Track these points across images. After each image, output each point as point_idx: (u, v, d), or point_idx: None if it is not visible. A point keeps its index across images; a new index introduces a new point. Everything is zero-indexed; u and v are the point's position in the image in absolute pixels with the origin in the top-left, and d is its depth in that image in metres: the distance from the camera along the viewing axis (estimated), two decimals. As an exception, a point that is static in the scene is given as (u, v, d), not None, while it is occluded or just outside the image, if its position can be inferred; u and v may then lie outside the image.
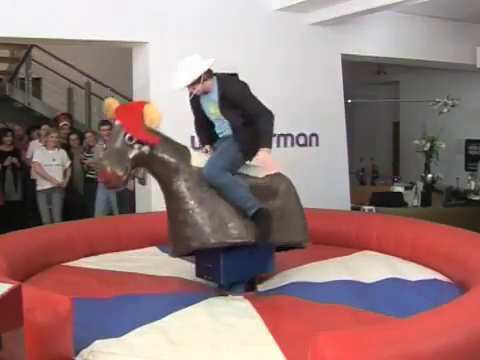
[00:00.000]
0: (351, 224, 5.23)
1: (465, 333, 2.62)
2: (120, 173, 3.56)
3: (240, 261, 3.90)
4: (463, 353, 2.56)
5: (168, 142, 3.83)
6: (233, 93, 3.80)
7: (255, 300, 3.81)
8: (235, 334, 3.22)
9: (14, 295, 2.07)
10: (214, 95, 3.83)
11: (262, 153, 3.78)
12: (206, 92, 3.83)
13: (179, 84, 3.75)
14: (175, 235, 3.88)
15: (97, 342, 2.97)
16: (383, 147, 12.10)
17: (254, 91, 3.89)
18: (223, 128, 3.98)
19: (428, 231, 4.69)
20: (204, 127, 4.09)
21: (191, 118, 5.86)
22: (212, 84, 3.81)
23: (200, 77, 3.70)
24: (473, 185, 7.71)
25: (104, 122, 7.46)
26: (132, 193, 6.53)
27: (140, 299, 3.80)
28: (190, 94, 3.85)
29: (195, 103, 3.99)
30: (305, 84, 6.83)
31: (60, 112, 9.17)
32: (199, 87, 3.75)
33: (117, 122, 3.68)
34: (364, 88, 10.87)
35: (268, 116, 3.81)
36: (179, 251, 3.95)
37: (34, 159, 7.19)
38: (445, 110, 7.74)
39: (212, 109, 3.91)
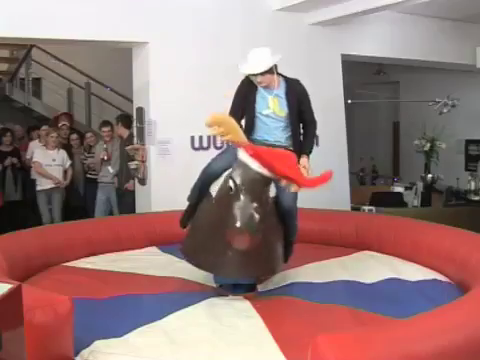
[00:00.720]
0: (351, 224, 5.23)
1: (465, 334, 2.62)
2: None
3: None
4: (463, 354, 2.56)
5: None
6: (301, 92, 3.99)
7: (255, 300, 3.81)
8: (235, 334, 3.23)
9: (14, 295, 2.07)
10: (280, 92, 3.91)
11: (304, 159, 3.87)
12: (267, 86, 3.88)
13: (258, 68, 3.77)
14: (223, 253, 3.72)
15: (97, 342, 2.97)
16: (383, 147, 12.07)
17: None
18: (272, 130, 3.92)
19: (428, 231, 4.69)
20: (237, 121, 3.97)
21: (191, 118, 5.94)
22: (277, 80, 3.90)
23: (272, 67, 3.79)
24: (473, 185, 7.67)
25: (105, 123, 7.44)
26: (132, 193, 6.52)
27: (140, 299, 3.80)
28: (259, 83, 3.85)
29: (244, 95, 3.95)
30: (305, 84, 6.79)
31: (60, 112, 9.16)
32: (269, 77, 3.82)
33: (264, 172, 3.46)
34: (364, 88, 10.85)
35: (315, 124, 4.04)
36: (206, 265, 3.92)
37: (34, 159, 7.20)
38: (445, 110, 7.70)
39: (271, 103, 3.90)
